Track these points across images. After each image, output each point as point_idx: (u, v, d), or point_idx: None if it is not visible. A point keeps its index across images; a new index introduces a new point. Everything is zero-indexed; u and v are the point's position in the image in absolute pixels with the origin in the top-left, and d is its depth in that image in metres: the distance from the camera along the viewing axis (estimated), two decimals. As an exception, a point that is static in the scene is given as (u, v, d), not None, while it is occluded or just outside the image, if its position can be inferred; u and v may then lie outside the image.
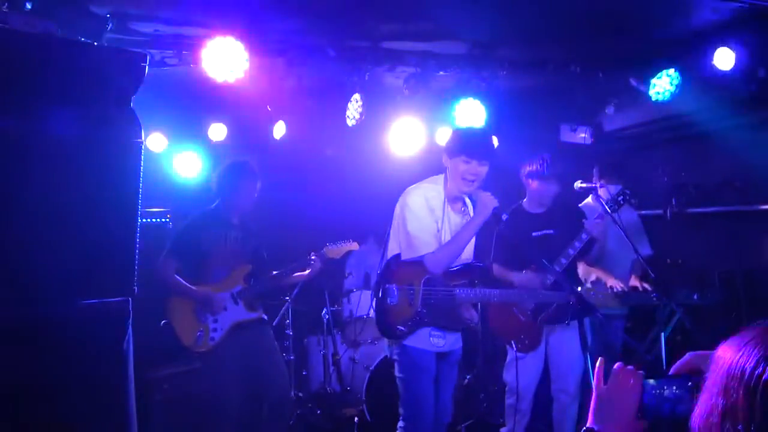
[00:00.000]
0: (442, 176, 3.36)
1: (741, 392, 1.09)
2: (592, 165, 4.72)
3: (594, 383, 1.42)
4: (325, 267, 4.17)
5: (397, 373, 3.28)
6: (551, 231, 3.89)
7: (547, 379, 4.02)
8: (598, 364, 1.44)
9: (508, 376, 3.94)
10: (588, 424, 1.40)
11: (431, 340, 3.23)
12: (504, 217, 3.17)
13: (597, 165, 4.63)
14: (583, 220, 3.75)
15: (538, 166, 3.92)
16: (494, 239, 3.40)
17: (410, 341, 3.20)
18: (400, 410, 3.27)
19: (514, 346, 3.82)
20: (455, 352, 3.40)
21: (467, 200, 3.41)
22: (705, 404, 1.16)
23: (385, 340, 3.37)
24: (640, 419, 1.36)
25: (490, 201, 3.18)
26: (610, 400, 1.39)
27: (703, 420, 1.16)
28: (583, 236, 3.68)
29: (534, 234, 3.89)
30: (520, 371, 3.77)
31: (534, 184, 3.97)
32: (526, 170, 4.00)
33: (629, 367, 1.40)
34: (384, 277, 3.27)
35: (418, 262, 3.19)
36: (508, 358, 3.93)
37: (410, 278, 3.22)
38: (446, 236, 3.25)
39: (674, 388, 1.34)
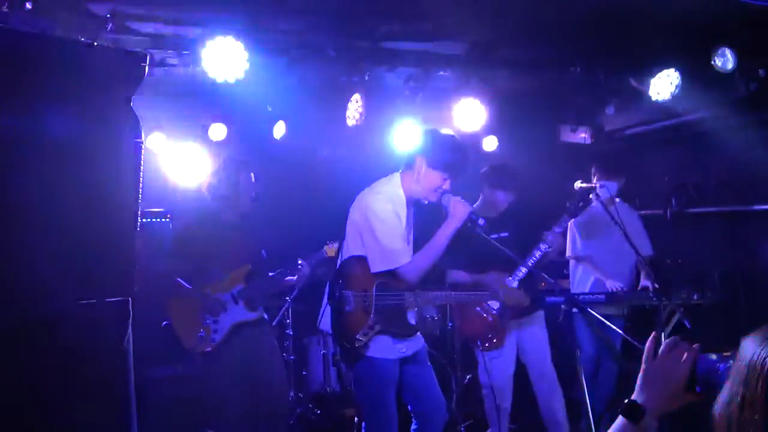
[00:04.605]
0: (397, 176, 3.20)
1: (760, 383, 1.14)
2: (592, 165, 4.72)
3: (644, 356, 1.45)
4: (325, 267, 4.17)
5: (359, 389, 3.15)
6: (506, 234, 3.91)
7: (525, 374, 4.06)
8: (650, 338, 1.47)
9: (482, 378, 3.96)
10: (633, 396, 1.42)
11: (396, 347, 3.10)
12: (481, 221, 3.07)
13: (595, 164, 4.64)
14: (545, 232, 3.74)
15: (498, 174, 4.05)
16: (460, 246, 3.32)
17: (375, 352, 3.04)
18: (363, 423, 3.17)
19: (480, 346, 3.84)
20: (420, 351, 3.27)
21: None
22: (726, 392, 1.21)
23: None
24: (690, 391, 1.39)
25: (464, 206, 3.06)
26: (660, 373, 1.41)
27: (723, 407, 1.21)
28: (542, 246, 3.69)
29: (491, 237, 3.90)
30: (494, 371, 3.80)
31: (491, 192, 4.08)
32: (486, 176, 4.11)
33: (684, 342, 1.44)
34: (338, 282, 3.08)
35: (388, 272, 3.04)
36: (480, 360, 3.95)
37: (363, 283, 3.05)
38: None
39: (729, 362, 1.35)
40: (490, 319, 3.84)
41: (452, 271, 3.78)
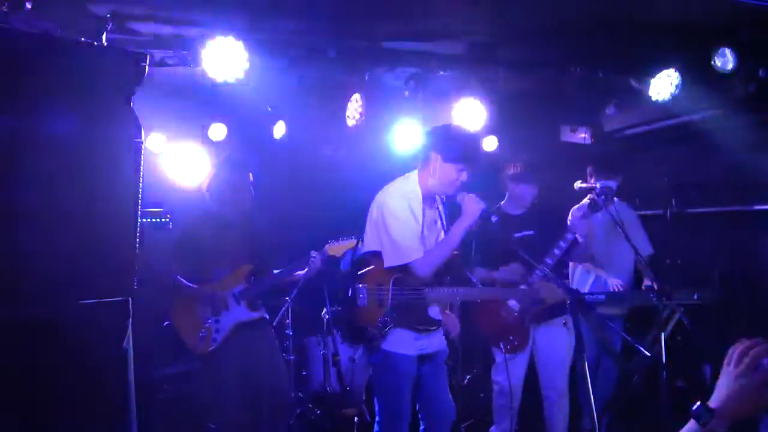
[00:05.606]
0: (414, 173, 3.28)
1: None
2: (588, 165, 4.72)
3: (724, 363, 1.46)
4: (325, 266, 4.17)
5: (375, 381, 3.22)
6: (531, 232, 3.92)
7: (535, 377, 4.03)
8: (733, 347, 1.47)
9: (498, 377, 3.94)
10: (709, 402, 1.43)
11: (416, 343, 3.16)
12: (494, 219, 3.12)
13: (591, 164, 4.65)
14: (568, 219, 3.78)
15: (518, 169, 4.03)
16: (475, 242, 3.36)
17: (392, 346, 3.11)
18: (377, 416, 3.22)
19: (502, 347, 3.82)
20: (442, 352, 3.32)
21: (437, 197, 3.35)
22: None
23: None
24: (765, 391, 1.40)
25: (477, 203, 3.12)
26: (736, 376, 1.42)
27: None
28: (568, 236, 3.71)
29: (515, 235, 3.90)
30: (509, 371, 3.77)
31: (515, 186, 4.06)
32: (507, 173, 4.09)
33: (756, 342, 1.44)
34: (352, 276, 3.17)
35: (402, 268, 3.10)
36: (498, 359, 3.94)
37: (379, 278, 3.13)
38: (426, 235, 3.20)
39: None
40: (511, 320, 3.83)
41: (475, 268, 3.81)
